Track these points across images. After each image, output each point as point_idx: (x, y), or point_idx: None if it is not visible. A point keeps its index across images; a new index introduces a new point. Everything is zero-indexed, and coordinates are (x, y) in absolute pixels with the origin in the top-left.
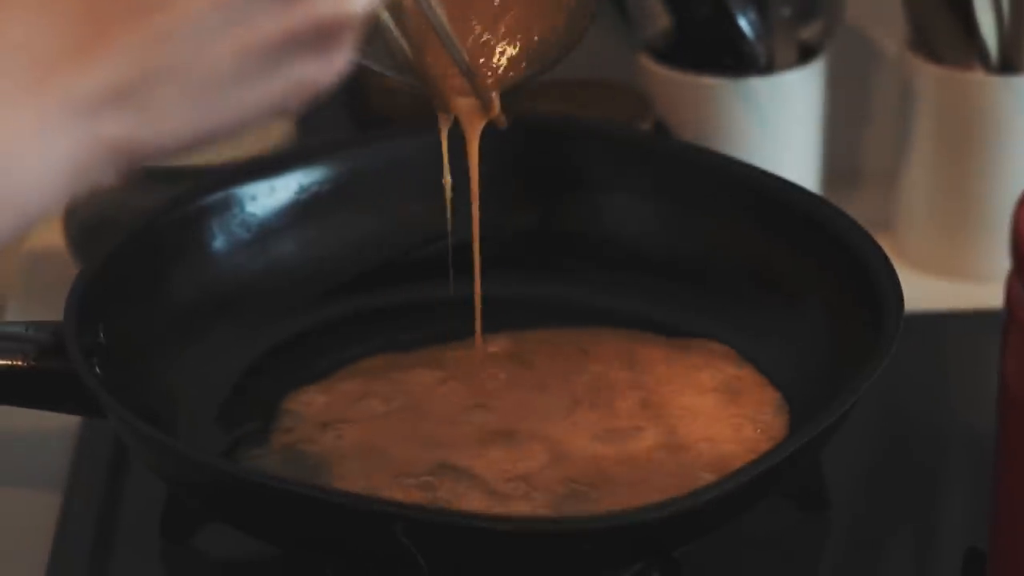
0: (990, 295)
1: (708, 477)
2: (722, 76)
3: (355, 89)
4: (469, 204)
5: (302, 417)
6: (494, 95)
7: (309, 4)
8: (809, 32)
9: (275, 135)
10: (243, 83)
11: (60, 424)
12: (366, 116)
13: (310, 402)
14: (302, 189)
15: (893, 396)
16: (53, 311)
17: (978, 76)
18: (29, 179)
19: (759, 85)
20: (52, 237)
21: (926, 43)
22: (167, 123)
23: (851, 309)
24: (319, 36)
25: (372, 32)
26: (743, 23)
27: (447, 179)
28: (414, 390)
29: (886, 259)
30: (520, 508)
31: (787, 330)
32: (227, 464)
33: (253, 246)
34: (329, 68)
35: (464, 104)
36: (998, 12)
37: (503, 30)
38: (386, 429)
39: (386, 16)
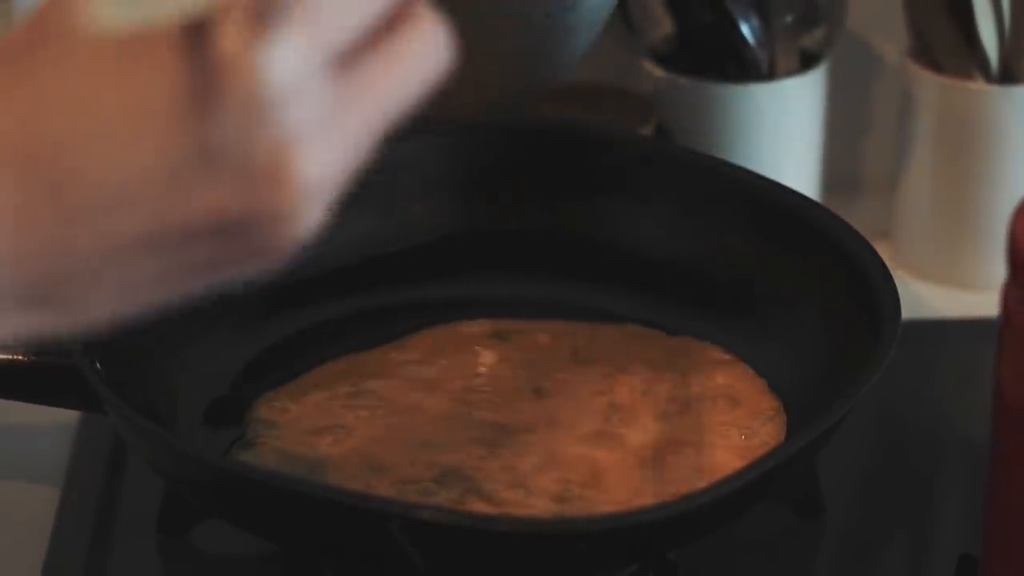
0: (987, 303)
1: (703, 481)
2: (724, 82)
3: None
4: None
5: (298, 416)
6: None
7: (247, 230)
8: (811, 39)
9: None
10: (166, 282)
11: (59, 419)
12: None
13: (306, 401)
14: None
15: (889, 402)
16: None
17: (978, 85)
18: None
19: (760, 91)
20: None
21: (927, 52)
22: (85, 316)
23: (849, 316)
24: (247, 260)
25: None
26: (745, 29)
27: None
28: (410, 391)
29: (884, 266)
30: (517, 509)
31: (785, 336)
32: (225, 461)
33: None
34: (261, 265)
35: None
36: (999, 22)
37: None
38: (383, 430)
39: None
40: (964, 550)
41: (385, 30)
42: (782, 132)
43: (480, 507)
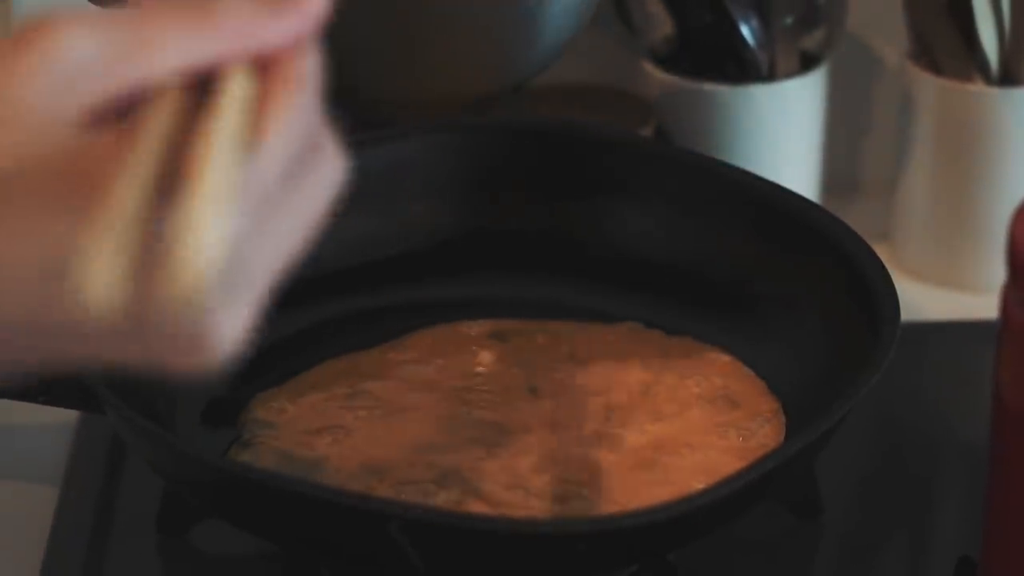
0: (987, 305)
1: (702, 481)
2: (723, 83)
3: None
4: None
5: (295, 416)
6: None
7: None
8: (811, 41)
9: None
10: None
11: (58, 418)
12: (368, 116)
13: (303, 402)
14: None
15: (888, 404)
16: None
17: (978, 88)
18: None
19: (760, 93)
20: None
21: (927, 54)
22: None
23: (848, 318)
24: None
25: None
26: (745, 31)
27: None
28: (408, 391)
29: (883, 268)
30: (516, 510)
31: (785, 337)
32: (225, 461)
33: None
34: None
35: None
36: (999, 24)
37: None
38: (381, 431)
39: None
40: (963, 552)
41: (296, 163)
42: (782, 133)
43: (479, 508)
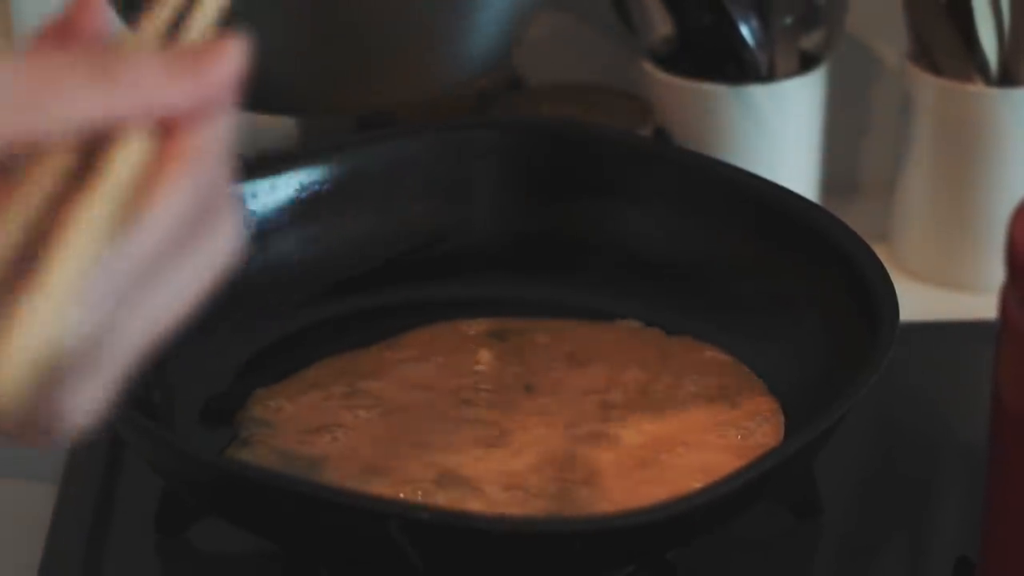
0: (986, 306)
1: (700, 480)
2: (723, 83)
3: None
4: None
5: (293, 414)
6: None
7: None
8: (810, 41)
9: (276, 134)
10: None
11: None
12: (368, 116)
13: (301, 400)
14: (303, 188)
15: (887, 404)
16: None
17: (978, 88)
18: None
19: (760, 93)
20: None
21: (926, 54)
22: None
23: (847, 318)
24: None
25: None
26: (745, 31)
27: None
28: (406, 390)
29: (882, 268)
30: (515, 508)
31: (784, 337)
32: (224, 460)
33: (253, 244)
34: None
35: None
36: (998, 25)
37: None
38: (380, 430)
39: None
40: (962, 552)
41: (185, 233)
42: (781, 133)
43: (478, 507)
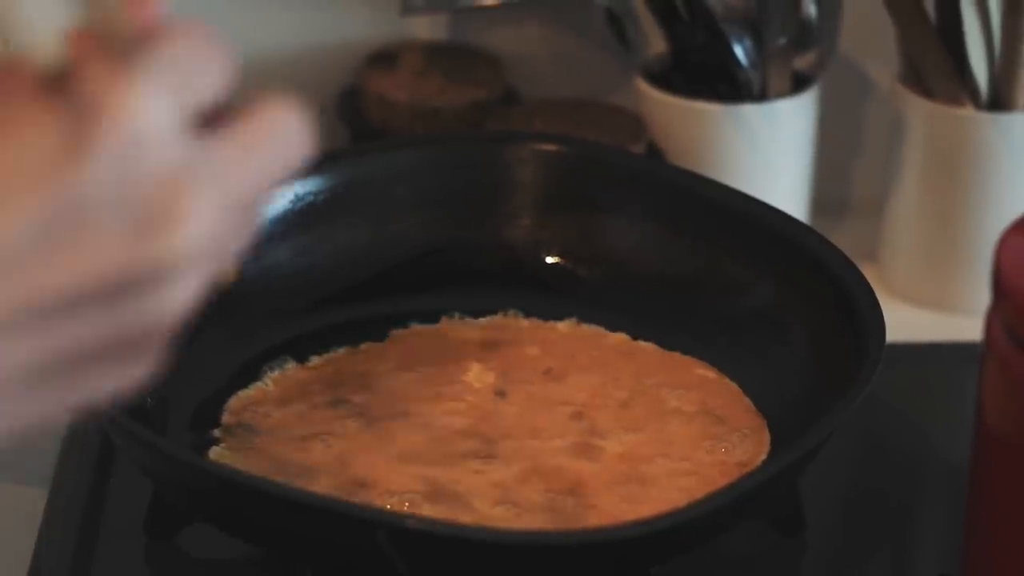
0: (971, 327)
1: (685, 496)
2: (716, 102)
3: (353, 101)
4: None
5: (281, 422)
6: None
7: (133, 311)
8: (803, 62)
9: None
10: (39, 391)
11: None
12: (363, 128)
13: (288, 408)
14: (298, 198)
15: (873, 424)
16: None
17: (968, 112)
18: None
19: (752, 112)
20: None
21: (918, 77)
22: None
23: (834, 337)
24: (131, 344)
25: None
26: (738, 51)
27: None
28: (394, 400)
29: (870, 289)
30: (502, 521)
31: (771, 355)
32: (214, 466)
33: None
34: (134, 374)
35: None
36: (989, 49)
37: None
38: (367, 439)
39: None
40: (943, 571)
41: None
42: (773, 153)
43: (465, 518)
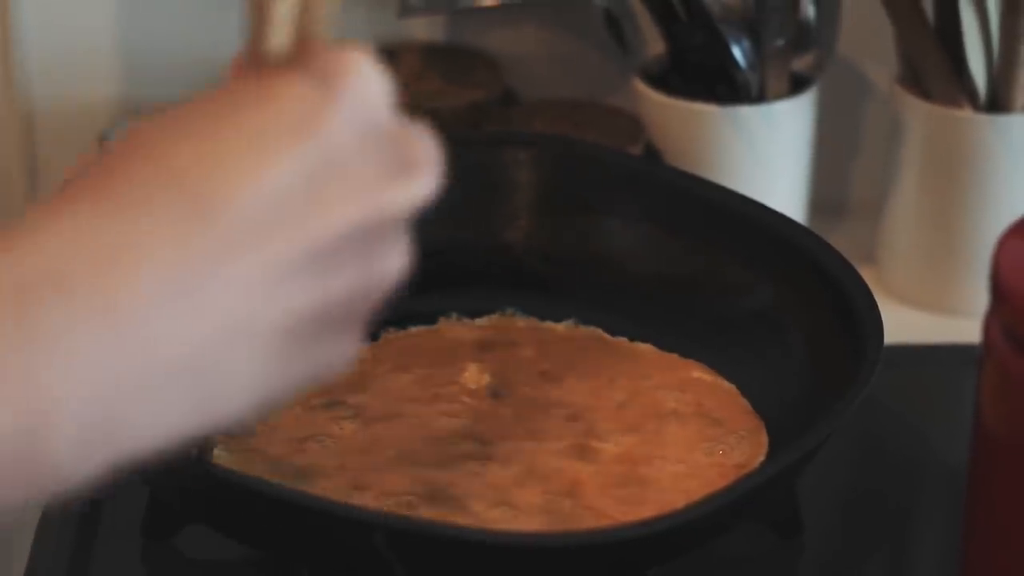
0: (970, 329)
1: (683, 498)
2: (714, 103)
3: None
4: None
5: (277, 424)
6: None
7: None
8: (801, 63)
9: None
10: (294, 352)
11: None
12: None
13: (285, 410)
14: None
15: (871, 426)
16: None
17: (966, 114)
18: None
19: (750, 114)
20: None
21: (916, 79)
22: (227, 401)
23: (832, 339)
24: (362, 308)
25: None
26: (736, 52)
27: None
28: (390, 401)
29: (868, 291)
30: (500, 523)
31: (769, 357)
32: (211, 467)
33: None
34: (349, 350)
35: None
36: (988, 51)
37: None
38: (364, 441)
39: None
40: (941, 573)
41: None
42: (771, 154)
43: (463, 520)
